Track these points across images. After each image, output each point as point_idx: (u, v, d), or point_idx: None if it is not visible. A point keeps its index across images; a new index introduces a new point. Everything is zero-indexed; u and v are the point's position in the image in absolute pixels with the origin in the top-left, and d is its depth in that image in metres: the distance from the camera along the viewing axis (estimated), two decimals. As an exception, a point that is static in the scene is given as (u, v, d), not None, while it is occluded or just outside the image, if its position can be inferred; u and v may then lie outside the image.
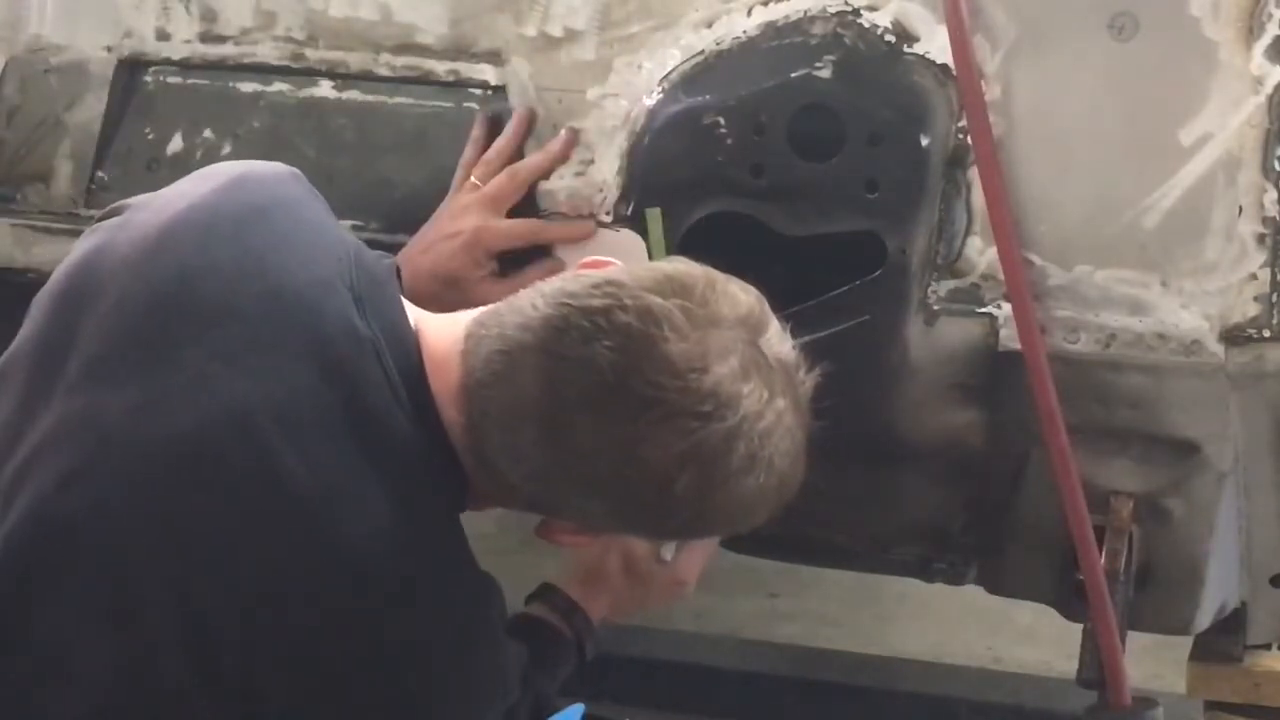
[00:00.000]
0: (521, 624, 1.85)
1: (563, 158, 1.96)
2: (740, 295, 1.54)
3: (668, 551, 1.90)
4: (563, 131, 1.96)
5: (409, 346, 1.55)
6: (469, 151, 1.99)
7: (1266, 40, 1.79)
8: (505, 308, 1.55)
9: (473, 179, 1.96)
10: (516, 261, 1.97)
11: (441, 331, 1.58)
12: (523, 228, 1.96)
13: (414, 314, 1.60)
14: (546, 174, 1.96)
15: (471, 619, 1.56)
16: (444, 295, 1.85)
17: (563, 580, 1.92)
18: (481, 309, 1.59)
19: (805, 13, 1.89)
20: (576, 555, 1.92)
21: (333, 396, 1.51)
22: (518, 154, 1.98)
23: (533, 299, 1.53)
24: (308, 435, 1.49)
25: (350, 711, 1.51)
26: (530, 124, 1.98)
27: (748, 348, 1.51)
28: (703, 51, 1.92)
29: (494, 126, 2.00)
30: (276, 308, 1.53)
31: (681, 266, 1.55)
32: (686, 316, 1.49)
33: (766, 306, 1.56)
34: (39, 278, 1.64)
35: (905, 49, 1.87)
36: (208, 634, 1.47)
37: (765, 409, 1.50)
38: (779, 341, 1.55)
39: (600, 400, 1.47)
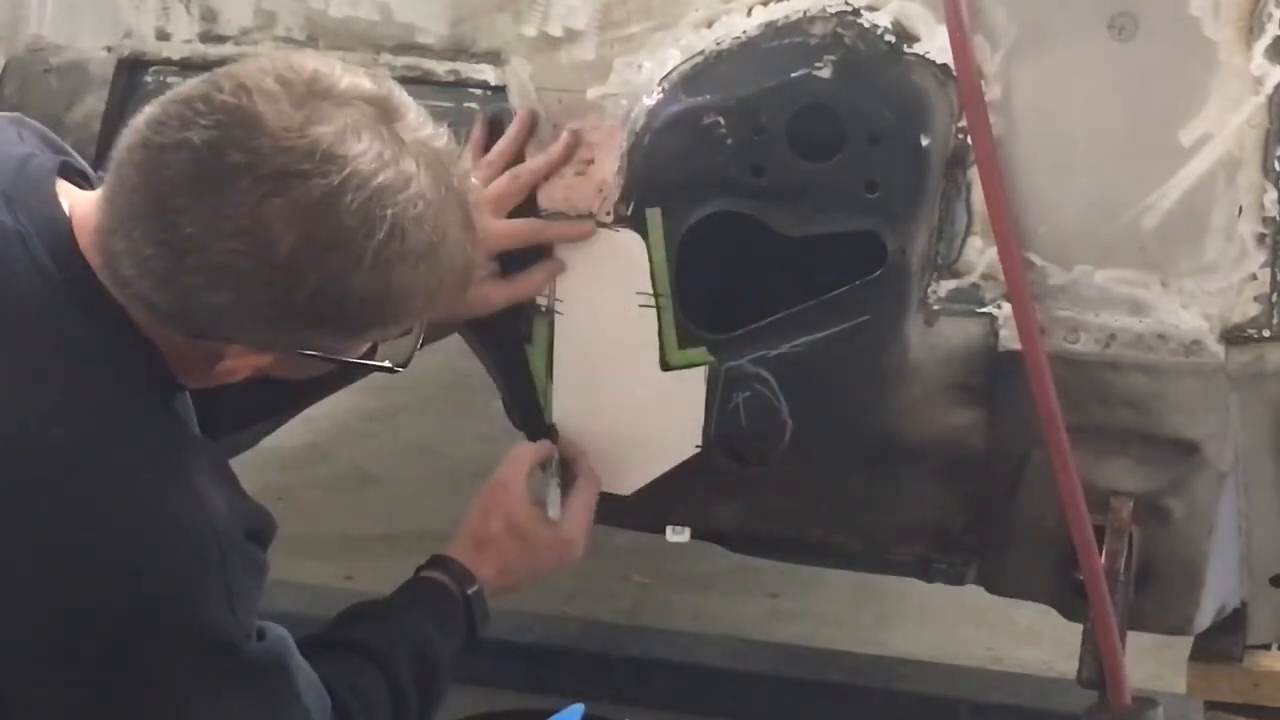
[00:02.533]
0: (407, 583, 1.88)
1: (564, 160, 1.96)
2: (368, 82, 1.55)
3: (553, 508, 1.95)
4: (564, 134, 1.96)
5: (60, 231, 1.57)
6: (469, 153, 1.99)
7: (1266, 40, 1.79)
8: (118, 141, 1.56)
9: (473, 180, 1.96)
10: (516, 262, 1.98)
11: (93, 202, 1.60)
12: (523, 228, 1.97)
13: (75, 201, 1.62)
14: (548, 176, 1.96)
15: (161, 468, 1.54)
16: None
17: (450, 549, 1.93)
18: None
19: (805, 13, 1.89)
20: (462, 523, 1.94)
21: None
22: (519, 156, 1.98)
23: (147, 108, 1.54)
24: None
25: (46, 577, 1.50)
26: (532, 126, 1.98)
27: (369, 121, 1.51)
28: (703, 51, 1.92)
29: (494, 127, 2.00)
30: None
31: (307, 58, 1.56)
32: (284, 87, 1.50)
33: (406, 98, 1.57)
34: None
35: (905, 49, 1.87)
36: None
37: (383, 168, 1.49)
38: (421, 127, 1.55)
39: (196, 177, 1.47)
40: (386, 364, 1.67)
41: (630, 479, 2.01)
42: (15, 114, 1.74)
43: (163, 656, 1.53)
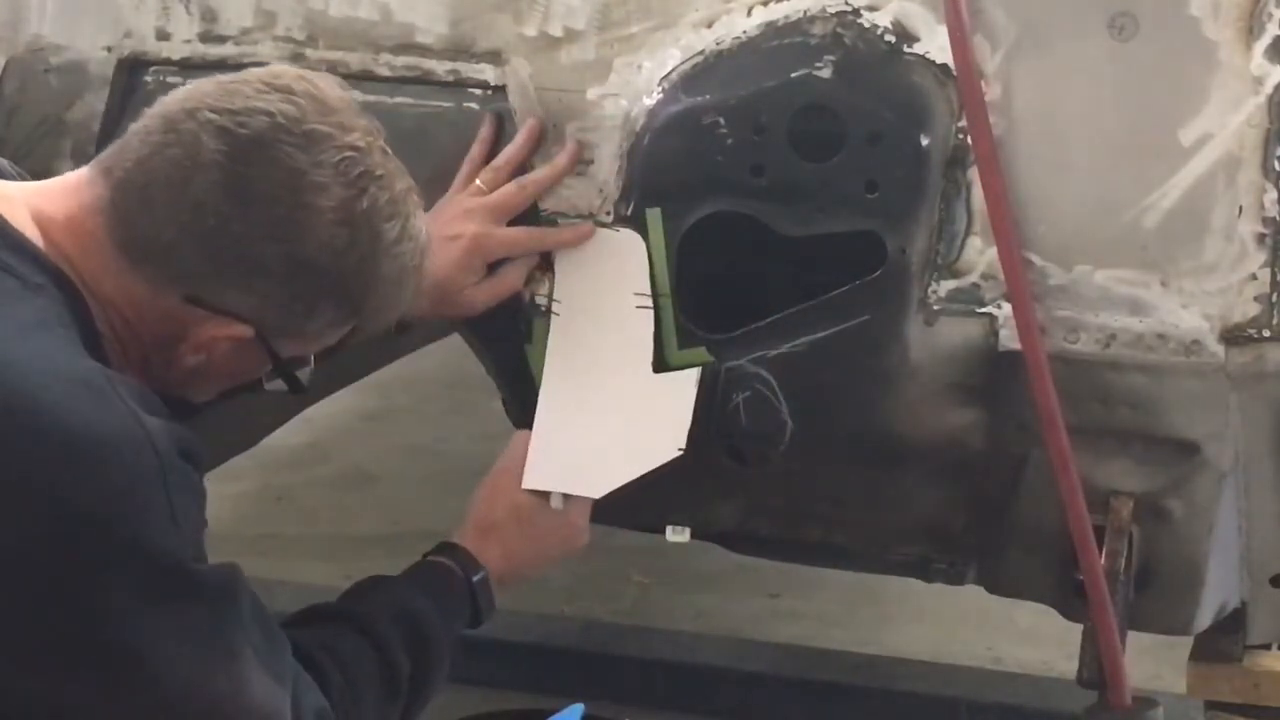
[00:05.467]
0: (413, 567, 1.90)
1: (569, 171, 1.96)
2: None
3: (556, 500, 1.94)
4: (570, 144, 1.96)
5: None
6: (476, 149, 1.99)
7: (1266, 40, 1.79)
8: (145, 118, 1.66)
9: (479, 183, 1.97)
10: (505, 261, 1.98)
11: (63, 184, 1.67)
12: (523, 236, 1.97)
13: (23, 191, 1.67)
14: (553, 187, 1.96)
15: (93, 387, 1.53)
16: (429, 295, 1.86)
17: (456, 535, 1.94)
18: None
19: (805, 13, 1.89)
20: (468, 510, 1.96)
21: None
22: (525, 165, 1.98)
23: (183, 89, 1.66)
24: None
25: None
26: (540, 138, 1.98)
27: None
28: (703, 51, 1.92)
29: (501, 125, 2.00)
30: None
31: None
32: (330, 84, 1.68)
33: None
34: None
35: (905, 49, 1.87)
36: None
37: (400, 176, 1.69)
38: None
39: (276, 138, 1.60)
40: (300, 380, 1.76)
41: (606, 480, 1.96)
42: None
43: (107, 569, 1.49)
